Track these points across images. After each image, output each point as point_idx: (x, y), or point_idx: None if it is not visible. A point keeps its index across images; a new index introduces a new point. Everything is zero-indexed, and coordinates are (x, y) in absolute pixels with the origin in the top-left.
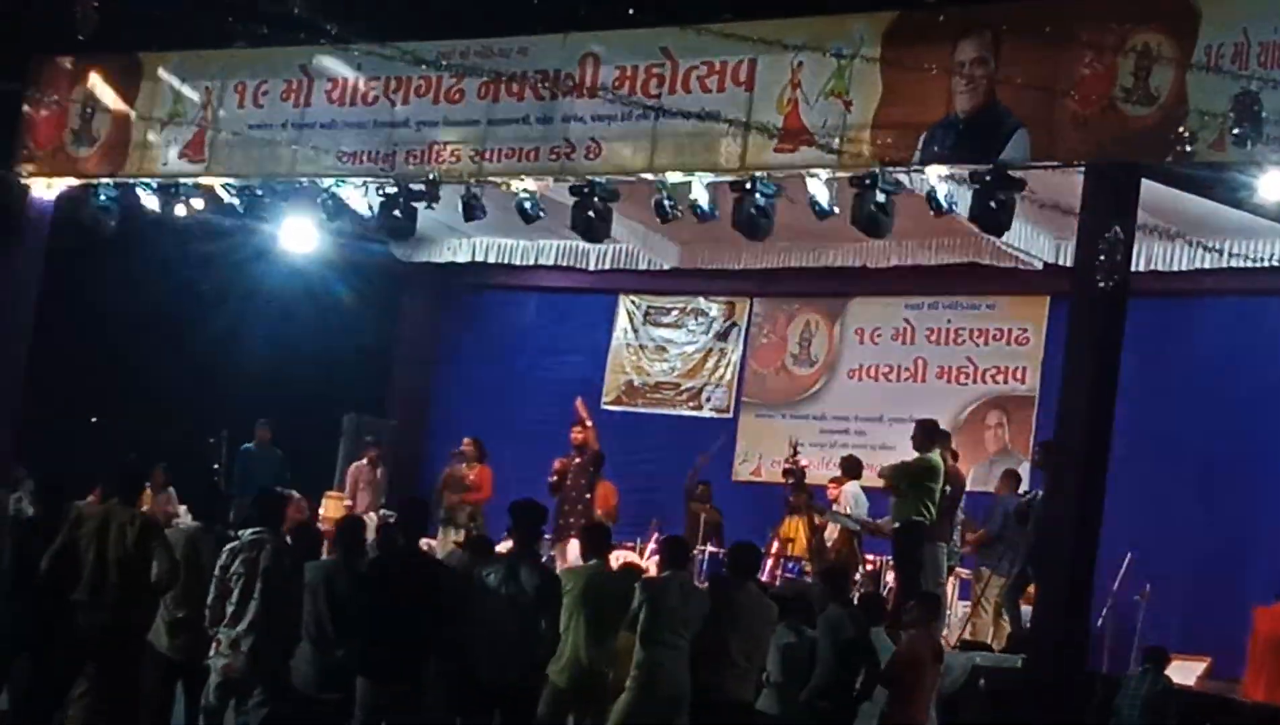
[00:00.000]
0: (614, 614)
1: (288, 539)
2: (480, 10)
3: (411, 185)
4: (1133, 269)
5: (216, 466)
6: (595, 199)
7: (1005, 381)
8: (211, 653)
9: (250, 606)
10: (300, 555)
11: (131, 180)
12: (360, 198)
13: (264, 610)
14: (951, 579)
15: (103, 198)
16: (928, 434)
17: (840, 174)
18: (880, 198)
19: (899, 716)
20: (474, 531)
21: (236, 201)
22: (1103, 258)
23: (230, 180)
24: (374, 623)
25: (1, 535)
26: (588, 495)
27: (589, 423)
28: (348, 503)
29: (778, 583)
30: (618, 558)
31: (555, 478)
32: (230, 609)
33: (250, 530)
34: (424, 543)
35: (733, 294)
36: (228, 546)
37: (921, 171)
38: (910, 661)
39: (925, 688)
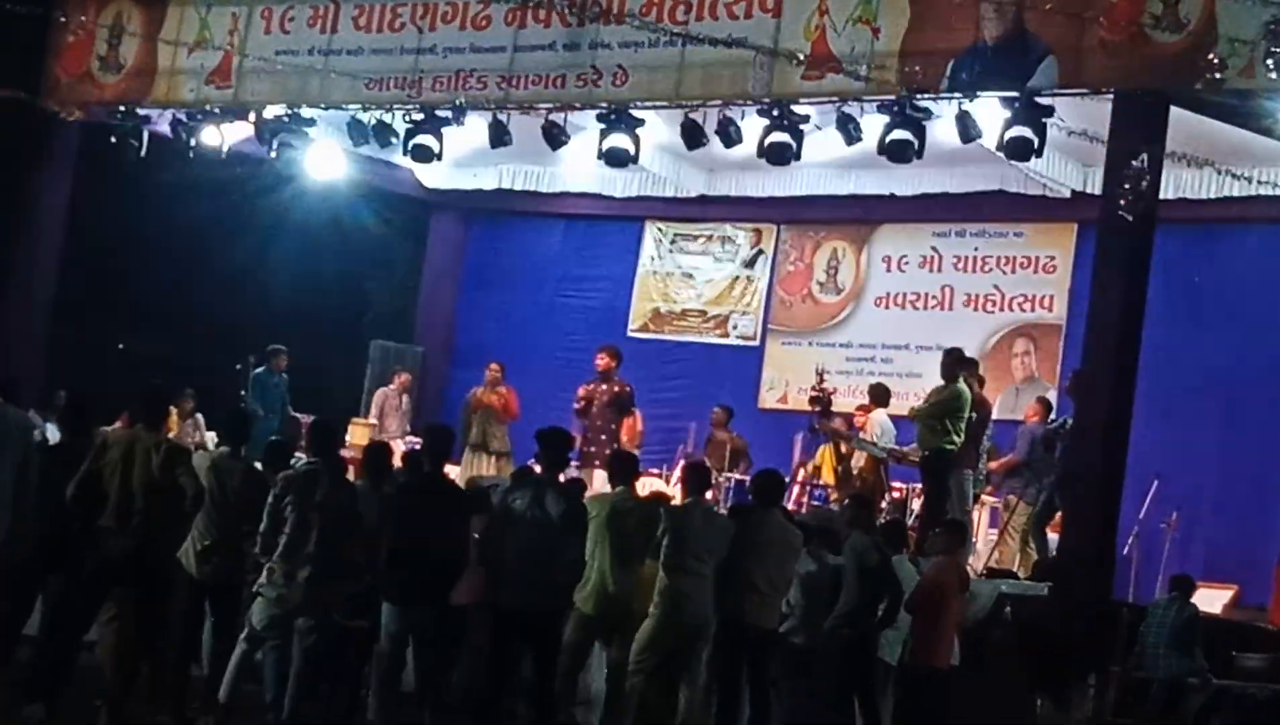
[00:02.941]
0: (640, 541)
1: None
2: None
3: (438, 112)
4: (1160, 197)
5: (244, 392)
6: (622, 126)
7: (1032, 310)
8: (263, 581)
9: (304, 538)
10: (350, 484)
11: (159, 107)
12: (387, 124)
13: (319, 542)
14: (979, 506)
15: (130, 124)
16: (954, 362)
17: (868, 101)
18: (908, 125)
19: (924, 643)
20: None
21: (263, 128)
22: (1130, 185)
23: (257, 106)
24: (399, 549)
25: (29, 460)
26: (613, 426)
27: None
28: (372, 422)
29: (803, 510)
30: (643, 485)
31: (581, 403)
32: (283, 540)
33: (304, 461)
34: (449, 469)
35: (759, 221)
36: (281, 474)
37: (950, 99)
38: (935, 589)
39: (950, 615)
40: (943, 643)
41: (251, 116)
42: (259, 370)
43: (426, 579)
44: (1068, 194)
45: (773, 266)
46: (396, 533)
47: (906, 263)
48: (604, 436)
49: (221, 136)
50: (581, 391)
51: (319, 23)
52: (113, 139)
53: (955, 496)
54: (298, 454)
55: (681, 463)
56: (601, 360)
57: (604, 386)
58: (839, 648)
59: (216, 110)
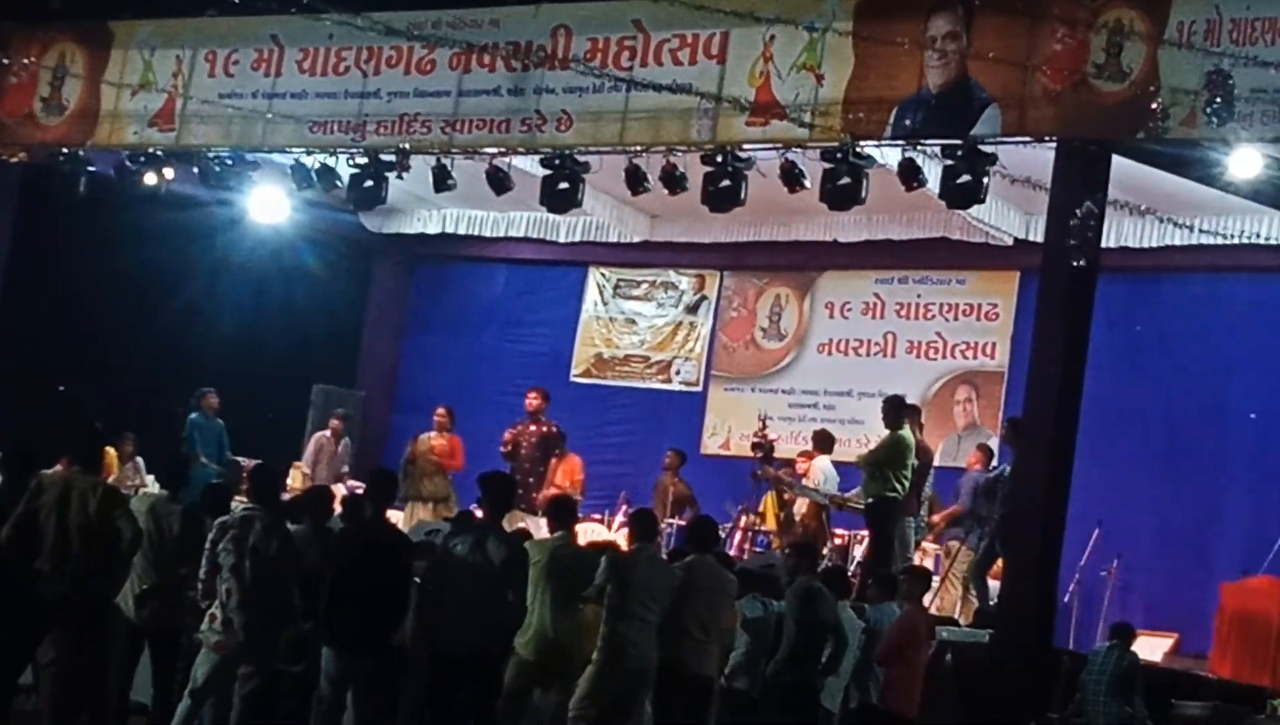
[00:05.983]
0: (580, 586)
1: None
2: None
3: (382, 156)
4: (1102, 245)
5: (183, 437)
6: (566, 171)
7: (975, 357)
8: (204, 626)
9: (241, 584)
10: (287, 531)
11: (101, 149)
12: (331, 167)
13: (255, 588)
14: (920, 553)
15: (72, 167)
16: (896, 410)
17: (812, 147)
18: (851, 172)
19: (897, 690)
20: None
21: (206, 171)
22: (1073, 233)
23: (200, 149)
24: (341, 594)
25: None
26: (541, 468)
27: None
28: (305, 471)
29: (745, 556)
30: (585, 532)
31: (508, 447)
32: (223, 585)
33: (242, 506)
34: (391, 514)
35: (703, 267)
36: (217, 520)
37: (893, 146)
38: (910, 636)
39: (922, 662)
40: (914, 689)
41: (194, 159)
42: (193, 415)
43: (367, 625)
44: (1010, 241)
45: (715, 312)
46: (338, 578)
47: (849, 309)
48: (531, 479)
49: (163, 179)
50: (507, 434)
51: (263, 66)
52: (56, 180)
53: (897, 544)
54: (238, 498)
55: (624, 508)
56: (533, 400)
57: (532, 427)
58: (781, 694)
59: (160, 153)
